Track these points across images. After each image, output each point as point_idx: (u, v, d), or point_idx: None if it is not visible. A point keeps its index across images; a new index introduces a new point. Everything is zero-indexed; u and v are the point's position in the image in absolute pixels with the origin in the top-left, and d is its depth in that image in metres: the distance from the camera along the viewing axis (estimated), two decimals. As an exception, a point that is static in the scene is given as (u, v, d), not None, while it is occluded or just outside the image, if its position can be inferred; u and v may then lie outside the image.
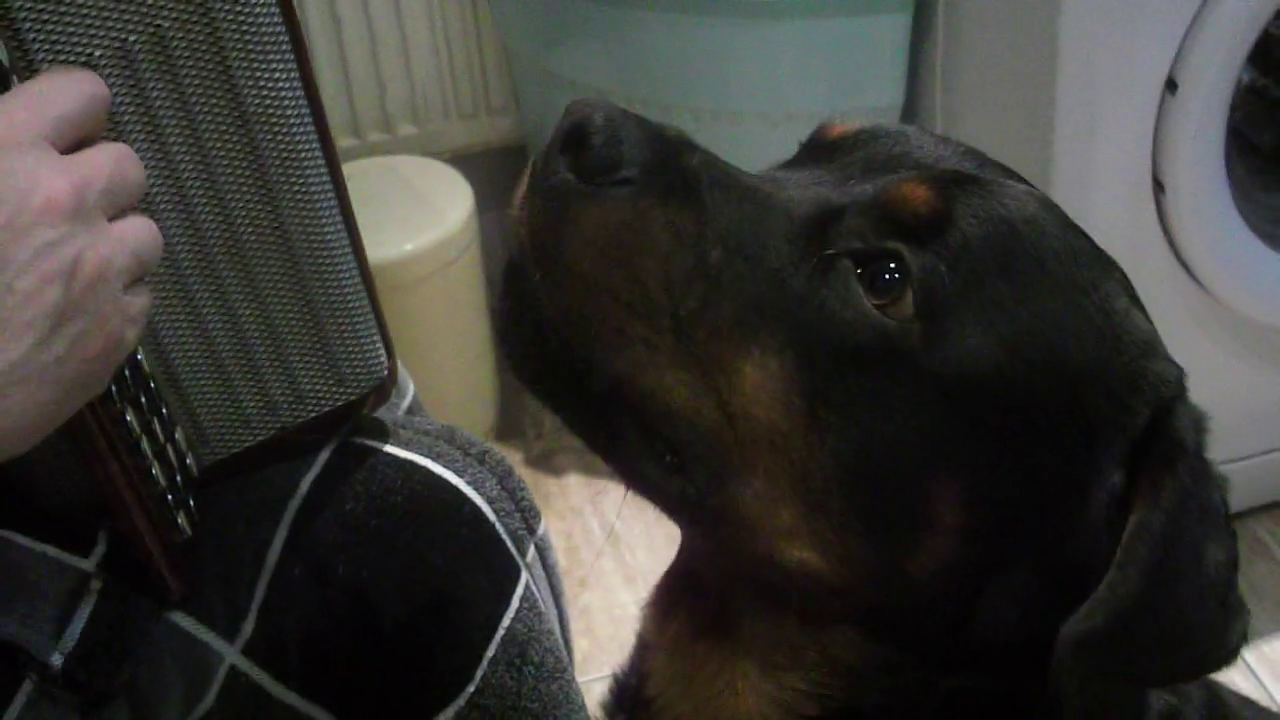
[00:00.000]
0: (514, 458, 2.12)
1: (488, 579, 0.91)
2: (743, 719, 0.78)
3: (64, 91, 0.67)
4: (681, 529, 0.80)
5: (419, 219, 1.97)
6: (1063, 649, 0.68)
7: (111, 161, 0.67)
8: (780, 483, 0.68)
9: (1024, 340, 0.68)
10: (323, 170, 0.81)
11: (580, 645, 1.85)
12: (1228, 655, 0.73)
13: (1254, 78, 1.97)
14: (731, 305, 0.68)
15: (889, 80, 1.86)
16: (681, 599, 0.82)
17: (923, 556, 0.70)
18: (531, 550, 0.95)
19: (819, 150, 0.79)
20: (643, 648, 0.86)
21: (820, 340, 0.68)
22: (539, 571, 0.96)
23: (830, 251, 0.69)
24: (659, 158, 0.68)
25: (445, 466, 0.91)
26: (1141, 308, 0.75)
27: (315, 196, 0.82)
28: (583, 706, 0.97)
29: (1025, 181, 0.77)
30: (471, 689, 0.89)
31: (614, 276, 0.67)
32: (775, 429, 0.68)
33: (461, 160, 2.15)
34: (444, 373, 2.04)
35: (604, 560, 1.98)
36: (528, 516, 0.95)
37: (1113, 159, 1.71)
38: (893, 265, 0.68)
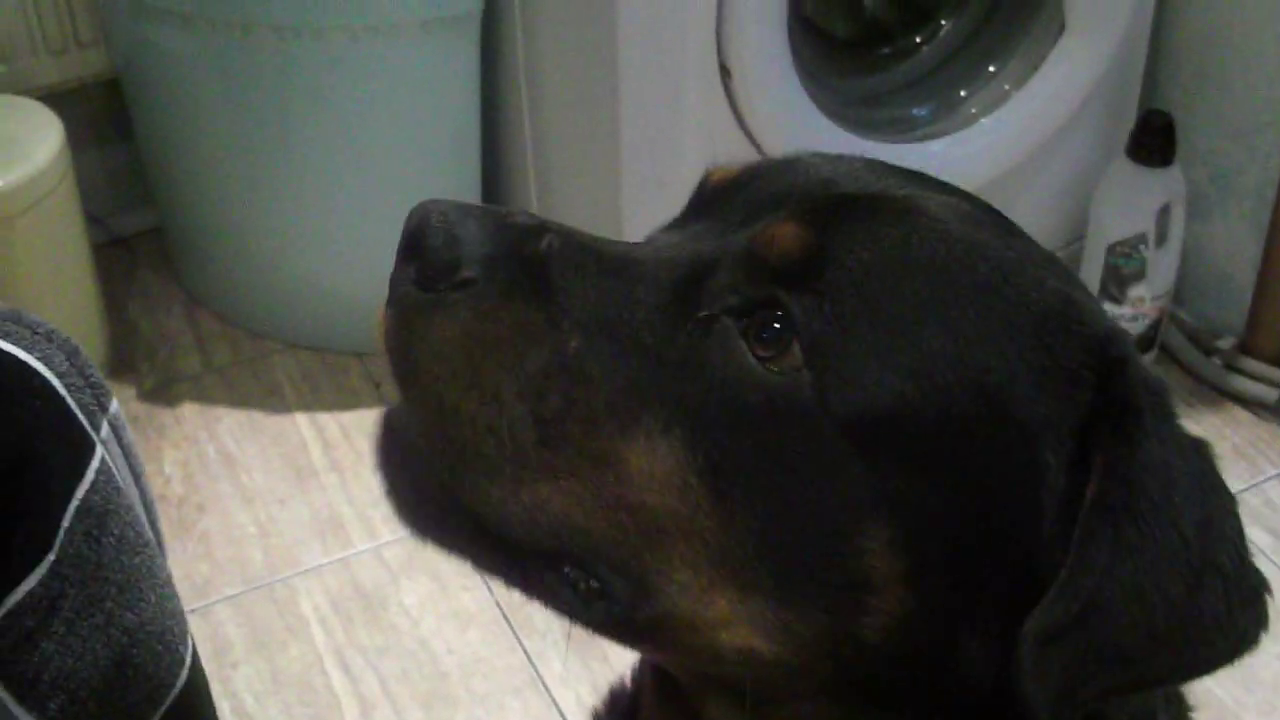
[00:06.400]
0: (128, 392, 2.10)
1: (62, 451, 0.91)
2: None
3: None
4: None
5: (6, 157, 1.94)
6: (1024, 650, 0.60)
7: None
8: (702, 571, 0.62)
9: (927, 361, 0.61)
10: None
11: (200, 570, 1.84)
12: (1238, 643, 0.63)
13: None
14: (602, 393, 0.62)
15: (465, -15, 1.88)
16: (661, 694, 0.76)
17: (871, 616, 0.63)
18: (105, 427, 0.96)
19: (702, 202, 0.72)
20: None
21: (707, 409, 0.61)
22: (115, 449, 0.97)
23: (705, 312, 0.63)
24: (502, 250, 0.62)
25: (13, 344, 0.92)
26: (1072, 278, 0.67)
27: None
28: (168, 582, 0.98)
29: (942, 184, 0.71)
30: (51, 558, 0.89)
31: (467, 392, 0.61)
32: (678, 515, 0.62)
33: (54, 98, 2.10)
34: (47, 310, 1.98)
35: (221, 484, 1.96)
36: (98, 393, 0.96)
37: (679, 45, 1.75)
38: (776, 314, 0.62)
